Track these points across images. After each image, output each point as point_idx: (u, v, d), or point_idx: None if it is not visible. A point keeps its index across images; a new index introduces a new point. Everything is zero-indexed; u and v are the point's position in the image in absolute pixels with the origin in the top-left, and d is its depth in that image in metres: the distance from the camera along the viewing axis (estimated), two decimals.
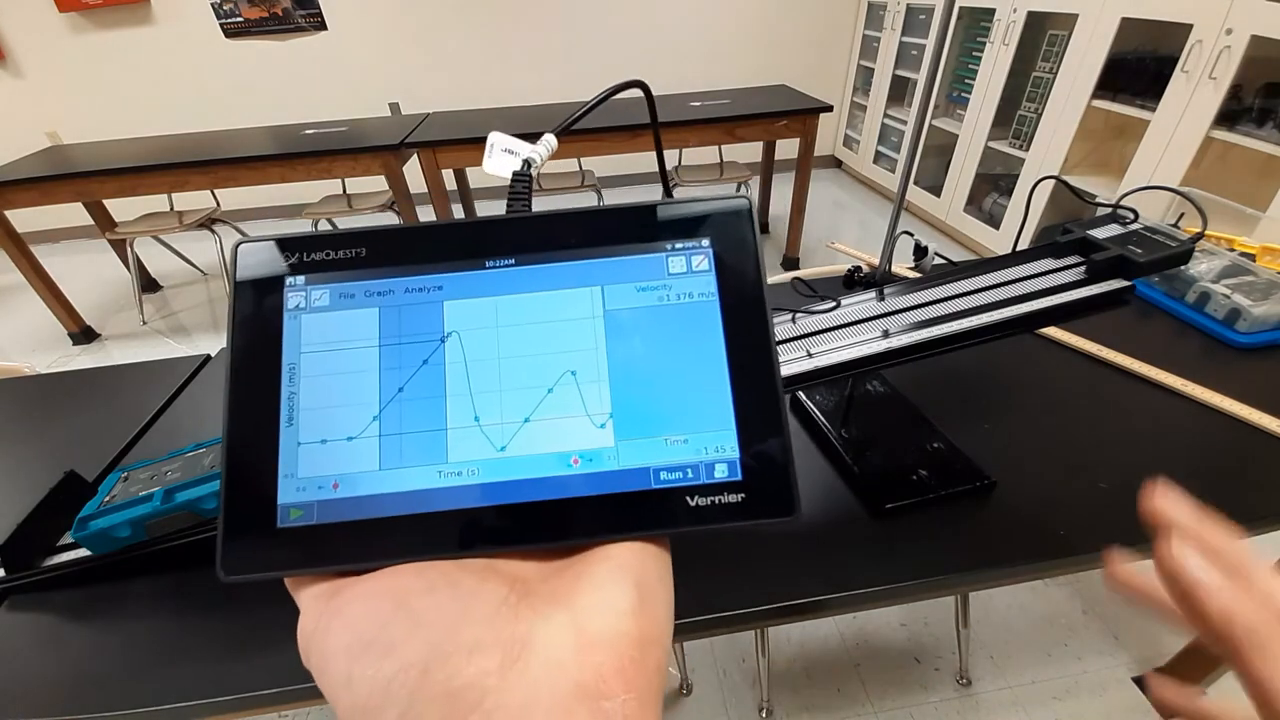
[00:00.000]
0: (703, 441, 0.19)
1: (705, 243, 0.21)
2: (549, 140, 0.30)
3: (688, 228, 0.21)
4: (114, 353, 2.50)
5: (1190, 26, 1.80)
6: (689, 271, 0.21)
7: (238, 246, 0.21)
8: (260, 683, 0.49)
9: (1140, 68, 2.06)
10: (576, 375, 0.20)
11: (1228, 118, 1.76)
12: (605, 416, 0.20)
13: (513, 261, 0.21)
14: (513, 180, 0.27)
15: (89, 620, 0.56)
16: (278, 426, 0.19)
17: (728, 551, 0.58)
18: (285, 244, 0.21)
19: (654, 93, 0.36)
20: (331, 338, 0.20)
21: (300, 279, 0.21)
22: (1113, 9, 2.04)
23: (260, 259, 0.21)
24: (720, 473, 0.19)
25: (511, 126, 2.33)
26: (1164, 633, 1.23)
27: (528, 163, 0.29)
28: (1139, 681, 1.16)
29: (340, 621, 0.16)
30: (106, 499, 0.57)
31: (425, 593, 0.16)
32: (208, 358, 0.95)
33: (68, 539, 0.60)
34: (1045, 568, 0.57)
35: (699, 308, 0.20)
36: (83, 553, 0.57)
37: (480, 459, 0.19)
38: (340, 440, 0.19)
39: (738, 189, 2.75)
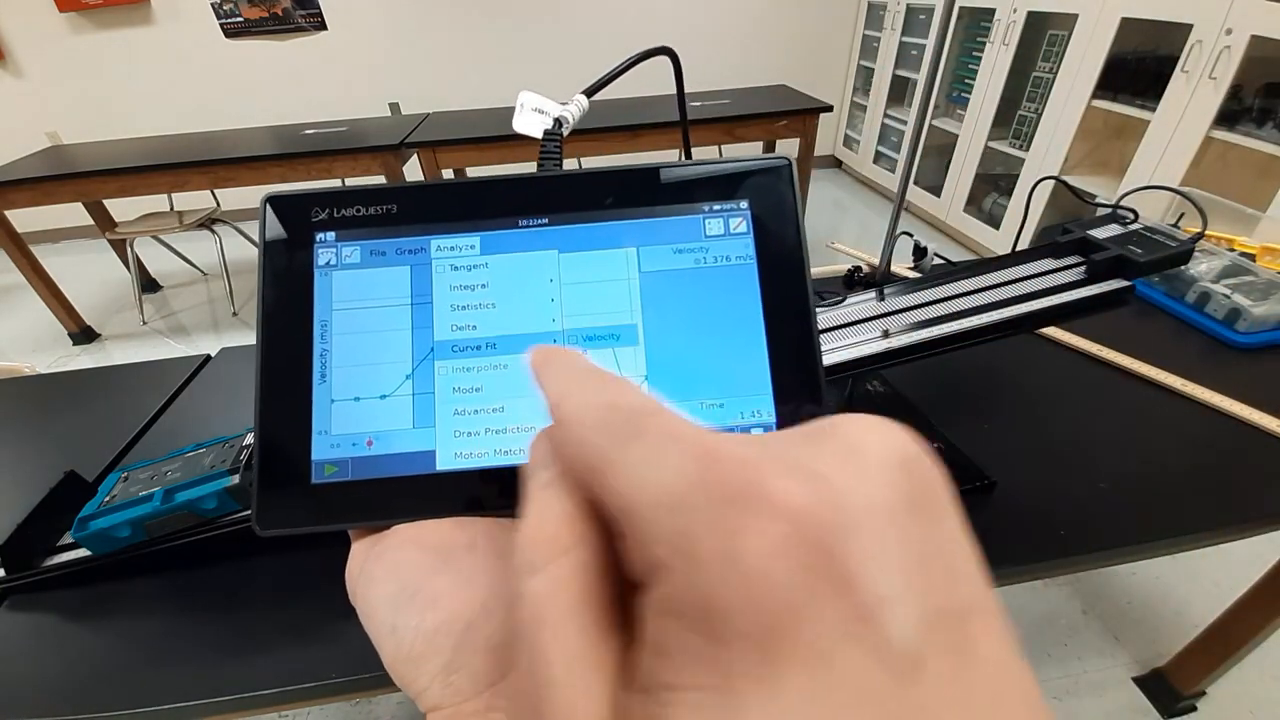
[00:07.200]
0: (739, 405, 0.19)
1: (743, 204, 0.21)
2: (580, 100, 0.30)
3: (726, 189, 0.21)
4: (114, 353, 2.49)
5: (1190, 26, 1.80)
6: (726, 234, 0.20)
7: (266, 200, 0.20)
8: (260, 683, 0.49)
9: (1140, 68, 2.06)
10: (611, 337, 0.20)
11: (1228, 118, 1.76)
12: (640, 379, 0.19)
13: (546, 221, 0.20)
14: (544, 139, 0.27)
15: (89, 620, 0.56)
16: (310, 383, 0.19)
17: None
18: (314, 198, 0.21)
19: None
20: (363, 295, 0.20)
21: (330, 235, 0.20)
22: (1113, 9, 2.04)
23: (289, 213, 0.20)
24: None
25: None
26: (1164, 633, 1.23)
27: (559, 121, 0.28)
28: (1139, 681, 1.16)
29: (382, 568, 0.17)
30: (106, 499, 0.57)
31: (467, 549, 0.17)
32: (208, 358, 0.95)
33: (68, 539, 0.59)
34: (1045, 568, 0.57)
35: (736, 271, 0.20)
36: (83, 553, 0.57)
37: None
38: (373, 398, 0.19)
39: None
